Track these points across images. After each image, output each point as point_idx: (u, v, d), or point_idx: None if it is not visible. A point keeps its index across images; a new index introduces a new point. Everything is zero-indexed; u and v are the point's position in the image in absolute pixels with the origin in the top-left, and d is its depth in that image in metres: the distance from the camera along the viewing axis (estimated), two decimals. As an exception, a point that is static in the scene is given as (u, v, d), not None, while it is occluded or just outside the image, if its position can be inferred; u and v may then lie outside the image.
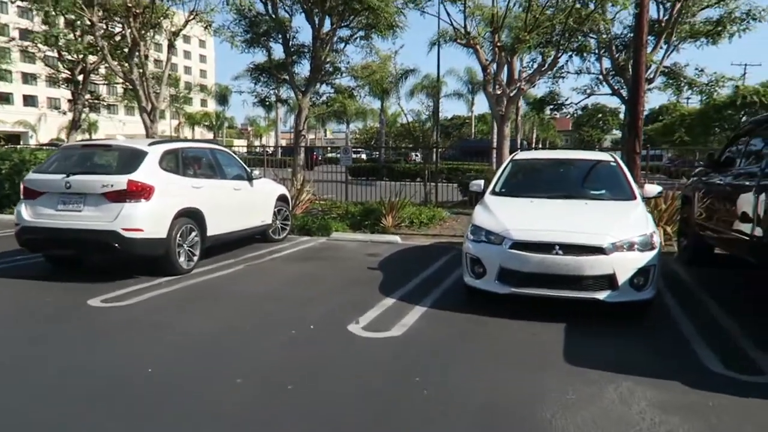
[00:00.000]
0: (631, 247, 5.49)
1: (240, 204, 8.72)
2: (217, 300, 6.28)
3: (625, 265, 5.41)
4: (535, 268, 5.47)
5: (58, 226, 6.76)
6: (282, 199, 10.30)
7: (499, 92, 10.79)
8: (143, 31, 12.75)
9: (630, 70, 14.94)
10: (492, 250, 5.72)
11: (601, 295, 5.42)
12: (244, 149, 34.76)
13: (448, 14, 10.24)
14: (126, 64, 13.46)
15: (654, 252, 5.55)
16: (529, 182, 7.31)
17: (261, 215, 9.47)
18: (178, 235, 7.21)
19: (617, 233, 5.53)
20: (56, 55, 19.83)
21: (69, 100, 20.51)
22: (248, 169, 9.29)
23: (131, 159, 7.07)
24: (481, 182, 7.31)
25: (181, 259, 7.32)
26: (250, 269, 7.89)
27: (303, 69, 19.14)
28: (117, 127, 35.39)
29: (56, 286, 6.76)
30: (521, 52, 10.50)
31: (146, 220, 6.79)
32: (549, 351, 4.76)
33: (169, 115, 68.88)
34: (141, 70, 13.10)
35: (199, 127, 72.87)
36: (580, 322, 5.49)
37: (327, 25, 15.51)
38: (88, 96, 20.25)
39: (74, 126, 19.55)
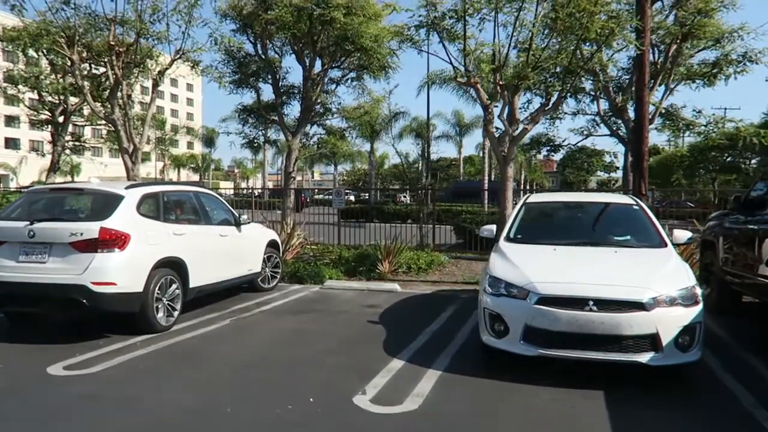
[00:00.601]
0: (673, 302, 4.83)
1: (226, 251, 7.98)
2: (198, 366, 5.47)
3: (669, 323, 4.73)
4: (567, 326, 4.76)
5: (19, 280, 5.95)
6: (272, 245, 9.57)
7: (502, 132, 10.28)
8: (126, 70, 12.15)
9: (629, 111, 14.63)
10: (515, 306, 5.02)
11: (644, 358, 4.71)
12: (231, 191, 34.13)
13: (448, 53, 9.72)
14: (108, 105, 12.83)
15: (698, 307, 4.89)
16: (546, 227, 6.67)
17: (249, 263, 8.71)
18: (157, 289, 6.43)
19: (657, 286, 4.87)
20: (36, 96, 19.25)
21: (49, 142, 19.73)
22: (236, 214, 8.58)
23: (105, 204, 6.34)
24: (493, 228, 6.66)
25: (159, 315, 6.51)
26: (236, 325, 7.08)
27: (293, 110, 18.67)
28: (99, 169, 34.63)
29: (13, 349, 5.90)
30: (523, 89, 10.03)
31: (120, 273, 6.02)
32: (593, 428, 4.02)
33: (154, 157, 68.32)
34: (123, 110, 12.46)
35: (185, 169, 72.23)
36: (620, 388, 4.77)
37: (318, 66, 15.13)
38: (69, 137, 19.55)
39: (53, 168, 18.77)
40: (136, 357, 5.62)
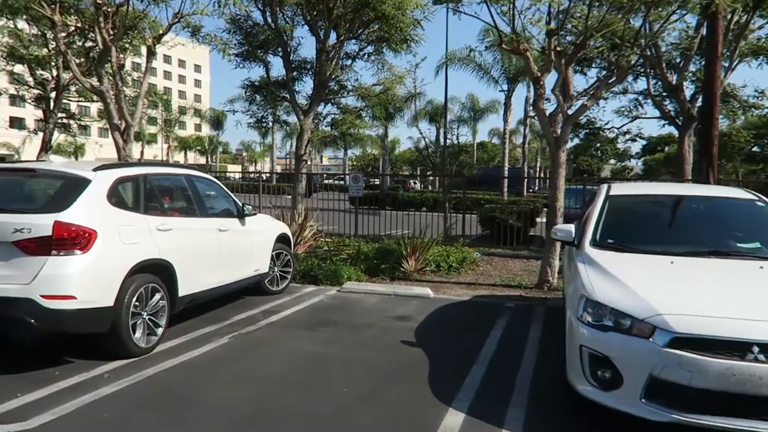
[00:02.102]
0: None
1: (227, 250, 6.48)
2: (179, 417, 3.98)
3: None
4: (717, 382, 3.24)
5: (-55, 291, 4.46)
6: (282, 239, 8.06)
7: (554, 109, 8.68)
8: (116, 35, 10.59)
9: (685, 90, 12.97)
10: (633, 347, 3.49)
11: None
12: (239, 175, 32.65)
13: (491, 14, 8.10)
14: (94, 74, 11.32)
15: None
16: (646, 230, 5.10)
17: (255, 262, 7.22)
18: (134, 301, 4.95)
19: None
20: (28, 72, 17.78)
21: (39, 120, 18.28)
22: (238, 203, 7.07)
23: (65, 190, 4.83)
24: (571, 228, 5.10)
25: (137, 334, 5.03)
26: (236, 346, 5.59)
27: (305, 87, 17.07)
28: (95, 150, 33.20)
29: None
30: (585, 57, 8.43)
31: (81, 282, 4.53)
32: None
33: (161, 139, 66.80)
34: (113, 82, 10.93)
35: (192, 152, 70.76)
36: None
37: (333, 38, 13.53)
38: (62, 114, 18.08)
39: (44, 147, 17.31)
40: (97, 400, 4.13)
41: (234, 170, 56.62)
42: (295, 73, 14.38)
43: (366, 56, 14.54)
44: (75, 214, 4.58)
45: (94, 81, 10.86)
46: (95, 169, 5.02)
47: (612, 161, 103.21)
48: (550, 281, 8.81)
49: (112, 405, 4.07)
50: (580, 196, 15.60)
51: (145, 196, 5.43)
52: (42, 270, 4.38)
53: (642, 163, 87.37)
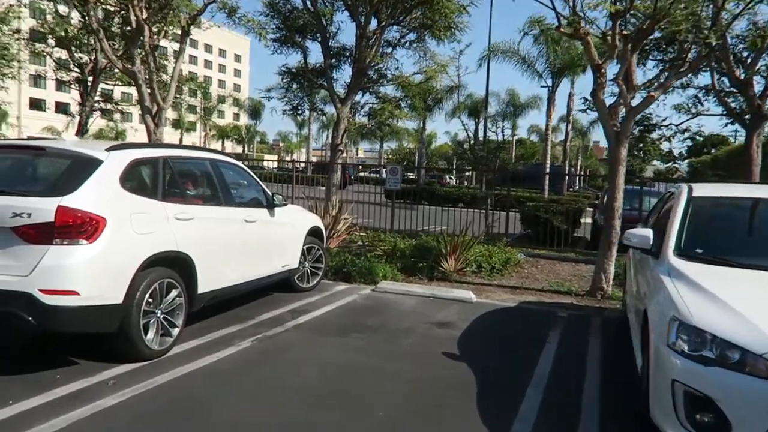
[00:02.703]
0: None
1: (253, 243, 5.92)
2: (192, 434, 3.42)
3: None
4: None
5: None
6: (314, 233, 7.48)
7: (615, 100, 7.86)
8: (151, 14, 10.17)
9: (754, 86, 11.88)
10: (747, 389, 2.78)
11: None
12: (273, 164, 32.35)
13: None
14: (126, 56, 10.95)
15: None
16: (744, 239, 4.31)
17: (284, 257, 6.65)
18: (147, 298, 4.42)
19: None
20: (66, 55, 17.69)
21: (78, 103, 18.17)
22: (268, 192, 6.50)
23: (73, 172, 4.31)
24: (648, 234, 4.34)
25: (150, 335, 4.50)
26: (260, 351, 5.02)
27: (343, 75, 16.50)
28: (132, 136, 33.30)
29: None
30: (650, 42, 7.58)
31: (86, 276, 4.00)
32: None
33: (200, 127, 67.33)
34: (146, 63, 10.53)
35: (229, 141, 71.21)
36: None
37: (374, 24, 12.88)
38: (98, 98, 17.94)
39: (80, 131, 17.19)
40: (95, 414, 3.59)
41: (270, 158, 56.64)
42: (333, 61, 13.81)
43: (407, 44, 13.86)
44: (82, 199, 4.06)
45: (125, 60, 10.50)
46: (108, 149, 4.50)
47: (655, 162, 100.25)
48: (605, 289, 8.02)
49: (111, 421, 3.53)
50: (630, 196, 14.69)
51: (163, 180, 4.89)
52: (42, 261, 3.86)
53: (687, 165, 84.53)
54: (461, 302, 7.27)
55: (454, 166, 64.02)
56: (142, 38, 10.24)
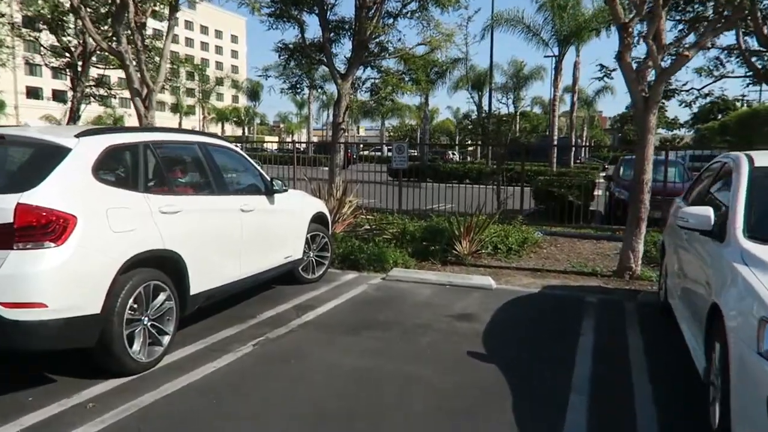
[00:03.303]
0: None
1: (252, 234, 5.34)
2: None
3: None
4: None
5: None
6: (318, 219, 6.90)
7: (641, 62, 7.19)
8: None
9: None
10: None
11: None
12: (274, 146, 31.62)
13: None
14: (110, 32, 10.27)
15: None
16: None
17: (286, 248, 6.08)
18: (130, 305, 3.86)
19: None
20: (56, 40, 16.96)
21: (70, 89, 17.48)
22: (266, 177, 5.90)
23: (36, 163, 3.72)
24: (708, 212, 3.74)
25: (135, 346, 3.95)
26: (260, 358, 4.47)
27: (343, 49, 15.78)
28: (127, 122, 32.60)
29: None
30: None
31: (54, 285, 3.44)
32: None
33: (198, 111, 66.42)
34: (133, 42, 9.86)
35: (229, 124, 70.34)
36: None
37: (374, -8, 12.13)
38: (90, 82, 17.25)
39: (72, 117, 16.54)
40: (70, 447, 3.06)
41: (271, 140, 55.83)
42: (332, 34, 13.09)
43: (409, 14, 13.10)
44: (46, 194, 3.47)
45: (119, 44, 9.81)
46: (78, 135, 3.89)
47: (660, 130, 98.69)
48: (633, 269, 7.44)
49: (89, 456, 2.99)
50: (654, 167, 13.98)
51: (145, 169, 4.29)
52: (1, 269, 3.29)
53: (694, 132, 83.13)
54: (481, 289, 6.70)
55: (457, 142, 63.22)
56: (127, 15, 9.56)
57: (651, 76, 7.50)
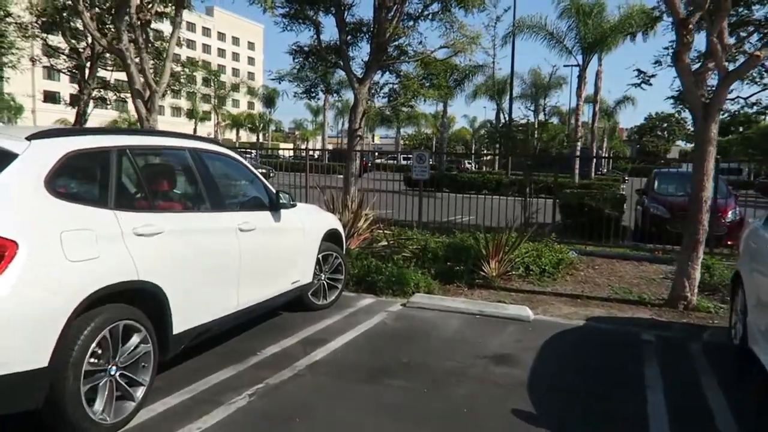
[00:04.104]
0: None
1: (251, 257, 4.51)
2: None
3: None
4: None
5: None
6: (331, 238, 6.06)
7: (701, 64, 6.29)
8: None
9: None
10: None
11: None
12: (289, 153, 30.90)
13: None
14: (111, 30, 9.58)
15: None
16: None
17: (293, 272, 5.25)
18: (92, 350, 3.04)
19: None
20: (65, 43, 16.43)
21: (78, 91, 16.92)
22: (271, 189, 5.07)
23: (-29, 171, 2.93)
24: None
25: (97, 405, 3.12)
26: (258, 413, 3.62)
27: (360, 53, 15.03)
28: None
29: None
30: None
31: (-19, 333, 2.63)
32: None
33: (214, 118, 66.12)
34: (134, 40, 9.13)
35: (244, 130, 70.00)
36: None
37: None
38: (96, 85, 16.67)
39: (78, 121, 15.94)
40: None
41: (285, 147, 55.17)
42: (349, 37, 12.34)
43: (431, 16, 12.30)
44: (-25, 214, 2.67)
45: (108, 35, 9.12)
46: (31, 137, 3.09)
47: (679, 142, 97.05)
48: (688, 298, 6.51)
49: None
50: (679, 181, 13.00)
51: (118, 180, 3.47)
52: None
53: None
54: (517, 321, 5.81)
55: (473, 151, 62.23)
56: (129, 10, 8.85)
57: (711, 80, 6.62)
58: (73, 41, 15.95)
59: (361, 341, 5.09)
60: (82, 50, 16.35)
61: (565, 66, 32.39)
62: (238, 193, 4.87)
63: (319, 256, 5.77)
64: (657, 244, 10.35)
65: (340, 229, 6.46)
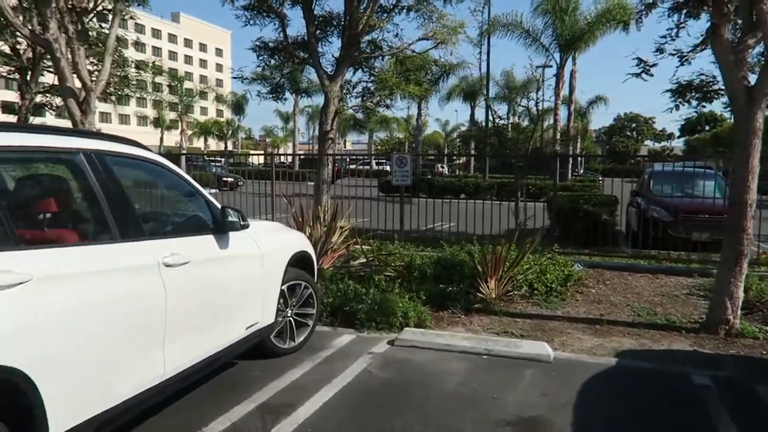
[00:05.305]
0: None
1: (186, 301, 3.24)
2: None
3: None
4: None
5: None
6: (299, 262, 4.81)
7: (739, 40, 5.24)
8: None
9: None
10: None
11: None
12: (258, 161, 29.42)
13: None
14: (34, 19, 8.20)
15: None
16: None
17: (249, 312, 3.98)
18: None
19: None
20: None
21: (20, 96, 15.30)
22: (215, 204, 3.80)
23: None
24: None
25: None
26: None
27: (331, 48, 13.83)
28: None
29: None
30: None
31: None
32: None
33: (181, 126, 63.87)
34: (64, 30, 7.77)
35: (212, 138, 68.02)
36: None
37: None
38: (39, 90, 15.11)
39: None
40: None
41: (254, 153, 53.39)
42: (318, 31, 11.15)
43: (405, 9, 11.18)
44: None
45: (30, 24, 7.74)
46: None
47: (648, 142, 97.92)
48: (731, 322, 5.44)
49: None
50: (676, 180, 12.05)
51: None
52: None
53: (684, 144, 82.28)
54: (535, 363, 4.63)
55: (445, 153, 61.41)
56: (55, -4, 7.49)
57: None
58: (12, 39, 14.37)
59: (339, 405, 3.84)
60: (22, 51, 14.79)
61: (538, 67, 31.53)
62: (166, 213, 3.61)
63: (284, 287, 4.52)
64: (660, 251, 9.37)
65: (310, 250, 5.20)
